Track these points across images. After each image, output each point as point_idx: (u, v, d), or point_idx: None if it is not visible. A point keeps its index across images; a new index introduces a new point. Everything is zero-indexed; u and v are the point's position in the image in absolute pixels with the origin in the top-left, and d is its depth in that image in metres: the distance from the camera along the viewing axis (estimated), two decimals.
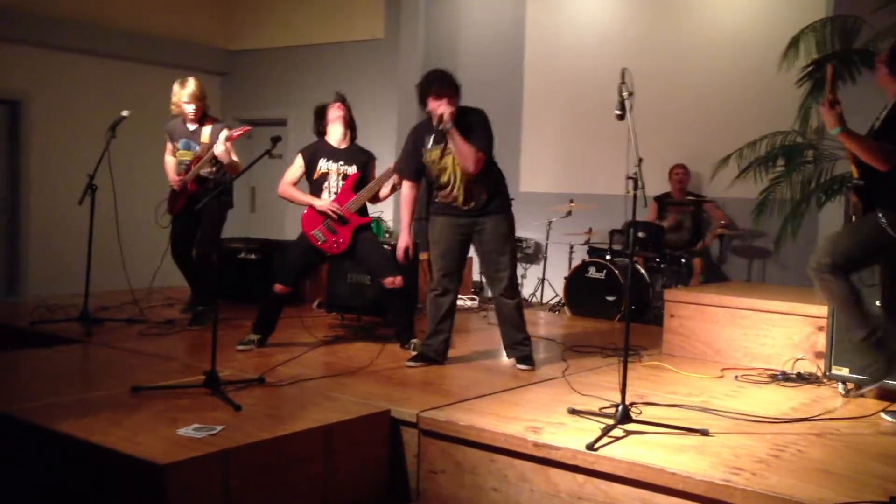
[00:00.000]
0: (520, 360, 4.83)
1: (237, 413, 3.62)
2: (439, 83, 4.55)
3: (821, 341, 4.76)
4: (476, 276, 8.43)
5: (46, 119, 8.58)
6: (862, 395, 4.33)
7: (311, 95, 7.18)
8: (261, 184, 9.62)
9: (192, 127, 5.80)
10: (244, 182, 5.86)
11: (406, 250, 4.84)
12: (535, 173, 9.00)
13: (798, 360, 4.89)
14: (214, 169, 5.70)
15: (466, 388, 4.28)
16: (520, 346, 4.84)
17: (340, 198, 5.22)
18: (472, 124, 4.57)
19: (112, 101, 8.22)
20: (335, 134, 5.31)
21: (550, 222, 8.07)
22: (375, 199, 5.33)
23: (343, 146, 5.32)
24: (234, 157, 5.62)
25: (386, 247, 5.82)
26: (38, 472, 3.39)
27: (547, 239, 8.22)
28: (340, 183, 5.23)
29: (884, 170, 3.70)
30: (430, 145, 4.68)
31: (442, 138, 4.59)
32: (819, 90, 5.97)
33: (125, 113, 5.84)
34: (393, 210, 8.37)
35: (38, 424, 3.37)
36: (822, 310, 4.66)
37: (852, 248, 3.87)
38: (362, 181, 5.26)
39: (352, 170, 5.25)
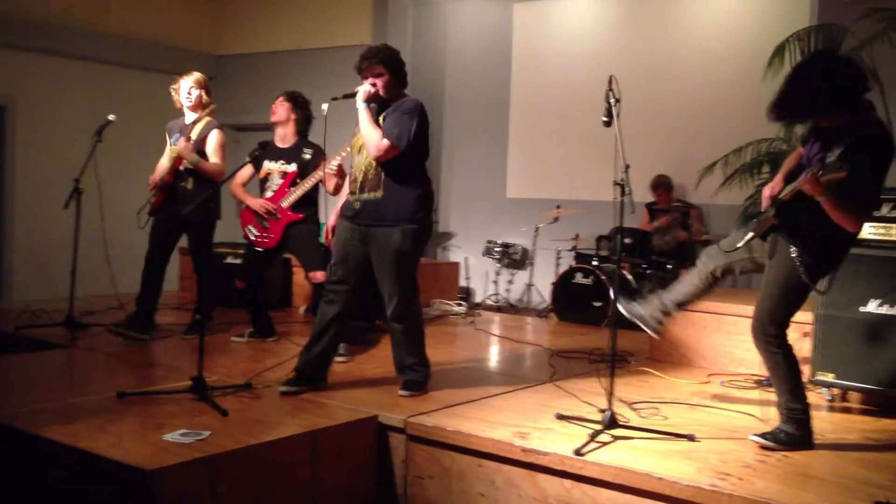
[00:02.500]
0: (403, 385, 4.27)
1: (224, 418, 3.60)
2: (360, 58, 4.18)
3: (805, 347, 4.78)
4: (462, 282, 8.44)
5: (32, 123, 8.54)
6: (846, 402, 4.36)
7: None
8: (246, 188, 9.56)
9: (188, 119, 5.51)
10: (228, 186, 5.80)
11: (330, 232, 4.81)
12: (522, 179, 9.03)
13: None
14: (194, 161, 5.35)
15: (454, 394, 4.27)
16: (408, 370, 4.32)
17: (277, 195, 5.29)
18: (395, 111, 4.12)
19: (98, 105, 8.20)
20: (277, 133, 5.37)
21: (537, 228, 8.10)
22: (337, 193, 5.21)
23: (286, 144, 5.34)
24: (216, 160, 5.40)
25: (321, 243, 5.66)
26: (24, 479, 3.36)
27: (534, 245, 8.24)
28: (279, 181, 5.29)
29: (854, 230, 3.33)
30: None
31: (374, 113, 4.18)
32: None
33: (111, 117, 5.80)
34: None
35: (23, 430, 3.34)
36: (807, 316, 4.68)
37: (789, 308, 3.51)
38: (302, 178, 5.26)
39: (291, 168, 5.28)
